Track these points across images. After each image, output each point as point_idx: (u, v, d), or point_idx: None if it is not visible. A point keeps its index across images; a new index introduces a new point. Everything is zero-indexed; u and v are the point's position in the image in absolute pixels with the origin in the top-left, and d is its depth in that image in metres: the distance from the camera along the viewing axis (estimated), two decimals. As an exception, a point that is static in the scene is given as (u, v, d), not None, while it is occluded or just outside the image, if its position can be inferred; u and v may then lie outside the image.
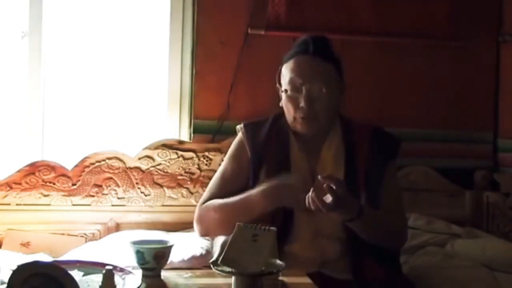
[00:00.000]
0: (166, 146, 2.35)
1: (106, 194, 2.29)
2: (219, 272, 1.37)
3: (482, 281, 1.96)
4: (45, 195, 2.23)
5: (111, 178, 2.29)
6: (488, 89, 2.75)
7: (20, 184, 2.21)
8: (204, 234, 1.84)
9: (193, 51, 2.50)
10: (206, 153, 2.38)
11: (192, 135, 2.49)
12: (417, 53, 2.66)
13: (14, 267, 1.19)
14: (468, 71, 2.72)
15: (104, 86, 2.53)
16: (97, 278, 1.34)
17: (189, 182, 2.36)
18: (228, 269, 1.36)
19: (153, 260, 1.48)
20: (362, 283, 1.66)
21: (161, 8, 2.53)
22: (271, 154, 1.76)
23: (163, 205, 2.34)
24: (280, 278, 1.46)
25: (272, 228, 1.44)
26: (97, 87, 2.52)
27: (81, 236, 2.23)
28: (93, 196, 2.27)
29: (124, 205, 2.30)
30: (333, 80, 1.75)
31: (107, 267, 1.30)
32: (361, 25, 2.56)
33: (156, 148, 2.34)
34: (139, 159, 2.33)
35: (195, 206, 2.33)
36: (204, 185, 2.35)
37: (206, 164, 2.37)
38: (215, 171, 2.33)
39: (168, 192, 2.34)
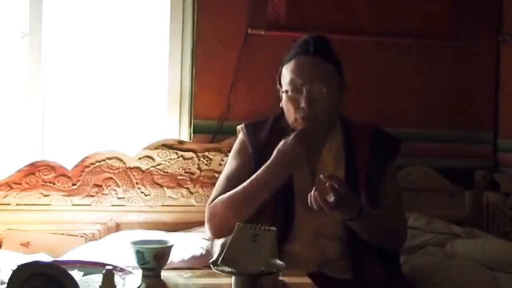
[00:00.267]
0: (166, 146, 2.35)
1: (106, 194, 2.29)
2: (219, 272, 1.37)
3: (482, 281, 1.96)
4: (45, 195, 2.24)
5: (111, 178, 2.29)
6: (488, 89, 2.75)
7: (20, 184, 2.21)
8: (216, 231, 1.76)
9: (193, 51, 2.51)
10: (206, 153, 2.38)
11: (192, 135, 2.49)
12: (417, 53, 2.66)
13: (14, 267, 1.19)
14: (468, 71, 2.72)
15: (104, 86, 2.53)
16: (97, 278, 1.34)
17: (189, 182, 2.36)
18: (228, 269, 1.36)
19: (153, 260, 1.48)
20: (362, 283, 1.66)
21: (161, 8, 2.53)
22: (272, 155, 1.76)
23: (163, 205, 2.34)
24: (280, 278, 1.46)
25: (272, 228, 1.44)
26: (97, 87, 2.52)
27: (81, 236, 2.23)
28: (93, 196, 2.27)
29: (124, 205, 2.30)
30: (334, 81, 1.74)
31: (107, 267, 1.30)
32: (361, 25, 2.56)
33: (156, 148, 2.34)
34: (139, 159, 2.33)
35: (195, 206, 2.35)
36: (204, 185, 2.36)
37: (206, 164, 2.37)
38: (215, 171, 2.35)
39: (168, 192, 2.34)
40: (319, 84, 1.71)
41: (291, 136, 1.67)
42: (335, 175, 1.57)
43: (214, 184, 1.88)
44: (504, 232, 2.52)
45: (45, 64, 2.44)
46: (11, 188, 2.21)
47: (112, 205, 2.29)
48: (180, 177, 2.36)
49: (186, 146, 2.38)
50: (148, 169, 2.33)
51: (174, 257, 1.80)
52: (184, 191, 2.36)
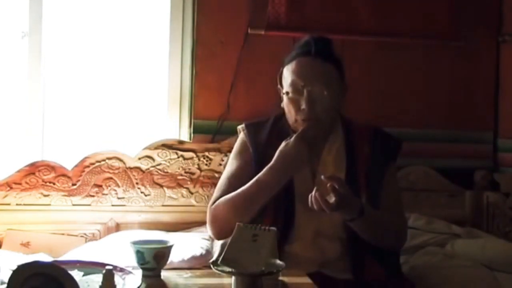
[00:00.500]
0: (166, 146, 2.35)
1: (106, 194, 2.29)
2: (219, 272, 1.37)
3: (482, 281, 1.96)
4: (45, 195, 2.24)
5: (111, 178, 2.29)
6: (488, 89, 2.75)
7: (20, 184, 2.21)
8: (219, 232, 1.75)
9: (193, 51, 2.50)
10: (206, 153, 2.38)
11: (192, 135, 2.49)
12: (417, 53, 2.66)
13: (14, 267, 1.19)
14: (468, 71, 2.71)
15: (104, 86, 2.53)
16: (97, 278, 1.34)
17: (189, 182, 2.36)
18: (228, 269, 1.36)
19: (153, 260, 1.48)
20: (362, 283, 1.66)
21: (161, 8, 2.53)
22: (273, 155, 1.76)
23: (163, 205, 2.34)
24: (280, 278, 1.46)
25: (272, 228, 1.44)
26: (97, 87, 2.52)
27: (81, 236, 2.23)
28: (93, 196, 2.28)
29: (124, 205, 2.30)
30: (335, 81, 1.74)
31: (107, 267, 1.30)
32: (361, 25, 2.56)
33: (156, 148, 2.34)
34: (139, 159, 2.33)
35: (195, 206, 2.35)
36: (204, 185, 2.36)
37: (206, 164, 2.37)
38: (215, 171, 2.35)
39: (168, 192, 2.34)
40: (320, 86, 1.71)
41: (293, 138, 1.67)
42: (335, 176, 1.57)
43: (214, 184, 1.88)
44: (504, 232, 2.52)
45: (45, 64, 2.44)
46: (11, 188, 2.21)
47: (112, 205, 2.29)
48: (180, 177, 2.36)
49: (186, 146, 2.38)
50: (148, 169, 2.33)
51: (174, 257, 1.80)
52: (184, 191, 2.36)
